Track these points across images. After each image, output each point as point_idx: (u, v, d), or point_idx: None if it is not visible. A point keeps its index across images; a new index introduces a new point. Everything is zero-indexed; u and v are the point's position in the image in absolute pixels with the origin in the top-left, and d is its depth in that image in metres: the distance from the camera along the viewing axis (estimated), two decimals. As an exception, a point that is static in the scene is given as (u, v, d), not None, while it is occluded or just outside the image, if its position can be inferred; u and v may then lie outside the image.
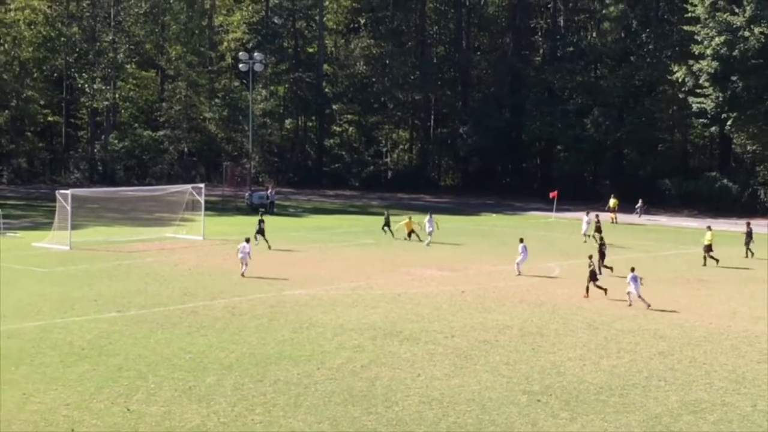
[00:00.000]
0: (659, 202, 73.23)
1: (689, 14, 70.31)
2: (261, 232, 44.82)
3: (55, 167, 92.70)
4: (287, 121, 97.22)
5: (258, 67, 74.99)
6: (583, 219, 51.62)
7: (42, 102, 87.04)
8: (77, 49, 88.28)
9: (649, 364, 23.30)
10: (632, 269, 31.35)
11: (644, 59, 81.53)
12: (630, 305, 30.64)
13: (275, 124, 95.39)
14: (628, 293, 30.85)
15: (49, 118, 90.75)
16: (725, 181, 72.76)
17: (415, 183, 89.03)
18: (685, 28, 71.48)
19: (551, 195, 64.26)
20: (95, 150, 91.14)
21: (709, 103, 70.30)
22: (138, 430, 17.67)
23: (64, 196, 44.34)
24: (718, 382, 21.83)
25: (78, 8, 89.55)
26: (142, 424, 17.93)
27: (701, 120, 73.45)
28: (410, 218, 50.43)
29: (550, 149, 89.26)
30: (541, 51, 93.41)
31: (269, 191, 66.52)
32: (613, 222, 60.44)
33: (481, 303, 31.19)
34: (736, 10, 68.20)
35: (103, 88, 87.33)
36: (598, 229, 47.82)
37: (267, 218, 49.48)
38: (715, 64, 68.66)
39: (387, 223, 50.07)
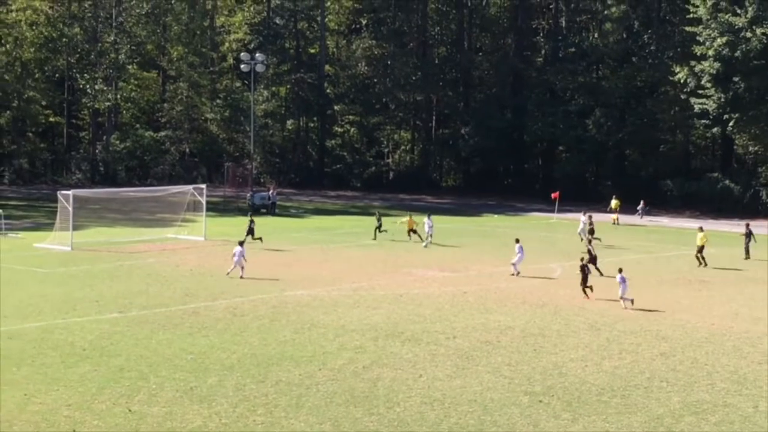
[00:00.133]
0: (661, 203, 73.12)
1: (691, 15, 70.20)
2: (251, 231, 45.09)
3: (56, 168, 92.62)
4: (289, 122, 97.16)
5: (259, 68, 74.93)
6: (581, 219, 51.61)
7: (43, 102, 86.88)
8: (79, 50, 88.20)
9: (651, 365, 23.30)
10: (620, 270, 31.34)
11: (646, 60, 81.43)
12: (628, 308, 30.63)
13: (277, 125, 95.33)
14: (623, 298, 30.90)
15: (51, 119, 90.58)
16: (727, 182, 72.57)
17: (416, 184, 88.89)
18: (687, 29, 71.35)
19: (553, 196, 64.15)
20: (97, 151, 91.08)
21: (711, 104, 70.18)
22: (139, 431, 17.68)
23: (66, 197, 44.39)
24: (720, 383, 21.82)
25: (80, 9, 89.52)
26: (144, 425, 17.93)
27: (703, 121, 73.30)
28: (410, 216, 50.39)
29: (552, 150, 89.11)
30: (542, 52, 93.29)
31: (271, 192, 66.49)
32: (614, 223, 60.43)
33: (482, 304, 31.20)
34: (738, 11, 68.11)
35: (105, 88, 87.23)
36: (591, 231, 47.88)
37: (269, 219, 49.60)
38: (717, 65, 68.55)
39: (379, 226, 49.04)
